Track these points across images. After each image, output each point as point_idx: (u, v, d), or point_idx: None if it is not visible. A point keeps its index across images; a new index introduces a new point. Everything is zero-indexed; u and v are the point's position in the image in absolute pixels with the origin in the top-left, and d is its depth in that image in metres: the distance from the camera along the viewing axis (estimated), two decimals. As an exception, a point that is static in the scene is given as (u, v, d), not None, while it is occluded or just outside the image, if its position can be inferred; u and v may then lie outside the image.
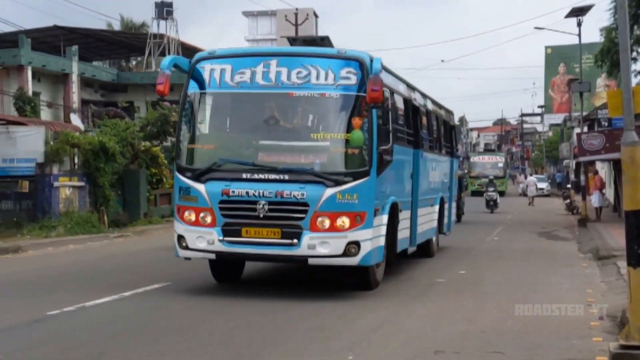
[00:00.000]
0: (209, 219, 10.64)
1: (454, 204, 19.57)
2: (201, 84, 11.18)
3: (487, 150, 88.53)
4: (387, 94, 11.30)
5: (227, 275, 12.17)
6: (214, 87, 11.15)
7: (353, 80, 10.54)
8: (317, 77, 10.59)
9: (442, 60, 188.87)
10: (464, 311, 10.01)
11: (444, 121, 18.16)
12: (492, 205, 35.71)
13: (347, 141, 10.47)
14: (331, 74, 10.58)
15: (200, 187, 10.71)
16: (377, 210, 10.81)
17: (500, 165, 58.95)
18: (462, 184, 29.44)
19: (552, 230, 25.13)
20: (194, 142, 11.33)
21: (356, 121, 10.40)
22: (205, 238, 10.70)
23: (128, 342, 8.26)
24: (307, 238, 10.24)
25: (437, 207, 16.46)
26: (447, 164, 18.02)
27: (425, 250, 15.75)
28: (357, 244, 10.31)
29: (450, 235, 19.26)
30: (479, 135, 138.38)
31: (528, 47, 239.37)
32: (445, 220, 17.76)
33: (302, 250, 10.29)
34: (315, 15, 69.53)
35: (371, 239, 10.58)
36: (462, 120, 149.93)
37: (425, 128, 15.27)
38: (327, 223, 10.21)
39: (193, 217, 10.76)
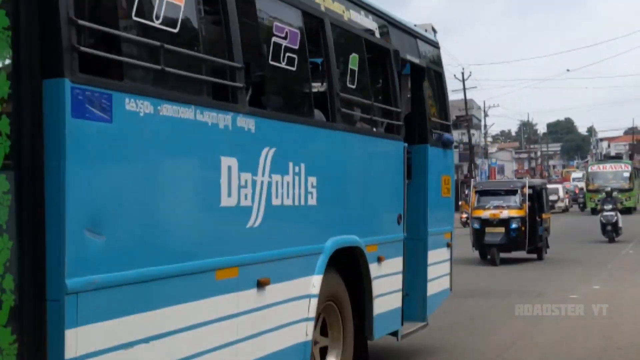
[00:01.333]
0: None
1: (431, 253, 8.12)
2: None
3: (609, 157, 76.32)
4: None
5: None
6: None
7: None
8: None
9: (568, 70, 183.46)
10: (601, 327, 9.65)
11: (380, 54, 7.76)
12: (610, 231, 24.21)
13: None
14: None
15: None
16: None
17: (627, 174, 47.48)
18: (542, 200, 20.46)
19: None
20: None
21: None
22: None
23: None
24: None
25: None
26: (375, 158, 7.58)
27: None
28: None
29: (582, 247, 18.76)
30: (609, 145, 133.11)
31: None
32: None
33: None
34: (434, 31, 68.88)
35: None
36: (591, 130, 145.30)
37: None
38: None
39: None
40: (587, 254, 20.20)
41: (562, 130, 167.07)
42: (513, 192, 18.95)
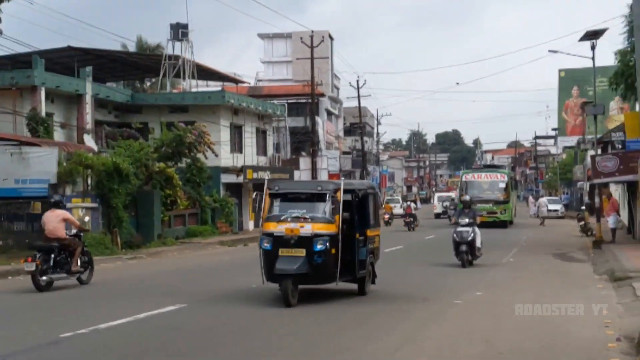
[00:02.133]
0: None
1: None
2: None
3: (486, 165, 67.12)
4: None
5: None
6: None
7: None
8: None
9: (457, 83, 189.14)
10: (482, 333, 9.91)
11: None
12: (464, 252, 19.01)
13: None
14: None
15: None
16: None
17: (503, 185, 42.58)
18: (367, 210, 14.01)
19: (567, 251, 24.90)
20: None
21: None
22: None
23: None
24: None
25: None
26: None
27: None
28: None
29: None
30: (493, 158, 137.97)
31: (542, 70, 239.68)
32: None
33: None
34: (331, 38, 69.86)
35: None
36: (477, 142, 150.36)
37: None
38: None
39: None
40: (430, 286, 15.23)
41: (449, 141, 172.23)
42: (320, 198, 12.80)
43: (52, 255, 14.83)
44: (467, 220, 19.47)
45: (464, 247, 19.13)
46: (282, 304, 11.93)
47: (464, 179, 44.51)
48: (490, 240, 29.08)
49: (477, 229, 19.52)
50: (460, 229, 19.38)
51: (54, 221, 15.33)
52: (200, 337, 9.65)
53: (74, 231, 15.92)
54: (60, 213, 15.56)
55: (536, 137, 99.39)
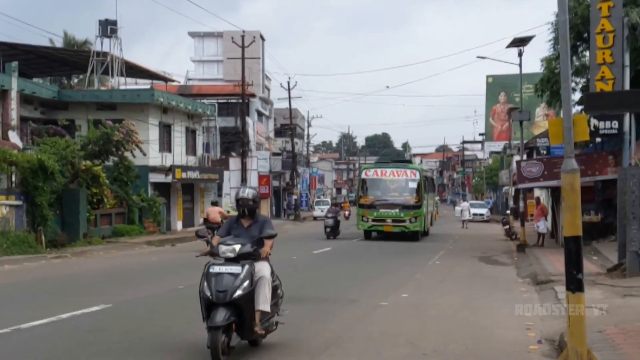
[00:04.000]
0: None
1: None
2: None
3: (394, 160, 42.75)
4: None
5: None
6: None
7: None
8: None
9: (387, 87, 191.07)
10: (408, 334, 10.04)
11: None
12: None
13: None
14: None
15: None
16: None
17: (413, 185, 33.22)
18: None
19: (492, 255, 25.46)
20: None
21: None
22: None
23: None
24: None
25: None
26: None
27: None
28: None
29: (391, 258, 19.30)
30: (421, 161, 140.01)
31: (471, 76, 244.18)
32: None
33: None
34: (262, 38, 69.70)
35: None
36: (406, 145, 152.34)
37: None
38: None
39: None
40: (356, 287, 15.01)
41: (379, 144, 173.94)
42: None
43: None
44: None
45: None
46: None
47: (363, 175, 34.09)
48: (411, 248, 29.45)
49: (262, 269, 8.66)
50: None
51: None
52: (123, 338, 9.51)
53: None
54: None
55: (464, 142, 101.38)
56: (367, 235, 32.91)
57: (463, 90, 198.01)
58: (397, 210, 31.97)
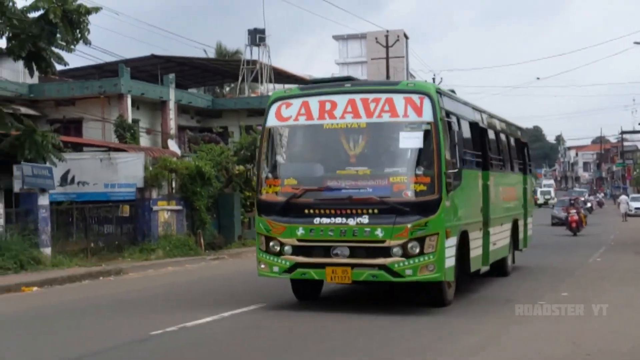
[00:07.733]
0: None
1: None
2: None
3: (346, 78, 13.62)
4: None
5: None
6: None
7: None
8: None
9: (538, 78, 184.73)
10: (568, 333, 9.70)
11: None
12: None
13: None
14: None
15: None
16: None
17: (417, 143, 11.22)
18: None
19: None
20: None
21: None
22: None
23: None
24: None
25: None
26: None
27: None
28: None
29: (550, 255, 18.71)
30: (577, 154, 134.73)
31: (628, 62, 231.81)
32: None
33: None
34: (406, 37, 69.46)
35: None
36: (559, 138, 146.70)
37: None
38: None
39: None
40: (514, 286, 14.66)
41: (530, 138, 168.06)
42: None
43: None
44: None
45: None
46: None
47: (273, 119, 12.11)
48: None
49: None
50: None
51: None
52: (278, 335, 9.78)
53: None
54: None
55: (622, 132, 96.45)
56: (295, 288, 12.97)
57: (620, 78, 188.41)
58: (363, 216, 11.15)
